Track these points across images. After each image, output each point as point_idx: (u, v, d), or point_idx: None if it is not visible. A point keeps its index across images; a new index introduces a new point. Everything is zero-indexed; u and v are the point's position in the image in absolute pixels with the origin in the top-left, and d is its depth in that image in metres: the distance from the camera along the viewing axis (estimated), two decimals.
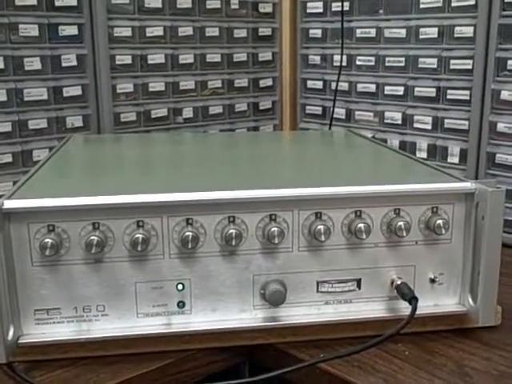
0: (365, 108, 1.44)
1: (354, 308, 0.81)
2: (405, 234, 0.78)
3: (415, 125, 1.34)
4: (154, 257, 0.75)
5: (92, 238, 0.72)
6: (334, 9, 1.48)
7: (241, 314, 0.78)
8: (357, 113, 1.47)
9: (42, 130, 1.26)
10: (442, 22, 1.27)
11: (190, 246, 0.74)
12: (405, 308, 0.79)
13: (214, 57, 1.48)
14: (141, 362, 0.76)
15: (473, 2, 1.21)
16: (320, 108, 1.56)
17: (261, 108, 1.61)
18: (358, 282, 0.80)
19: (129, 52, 1.35)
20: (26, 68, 1.22)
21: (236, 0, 1.50)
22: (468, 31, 1.23)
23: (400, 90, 1.36)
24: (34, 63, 1.23)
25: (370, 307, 0.81)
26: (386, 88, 1.39)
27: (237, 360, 0.83)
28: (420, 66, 1.32)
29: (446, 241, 0.80)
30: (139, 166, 0.98)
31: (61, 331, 0.75)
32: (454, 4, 1.25)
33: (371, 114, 1.43)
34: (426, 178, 0.85)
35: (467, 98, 1.24)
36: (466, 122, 1.25)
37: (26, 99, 1.23)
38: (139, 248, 0.73)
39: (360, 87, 1.45)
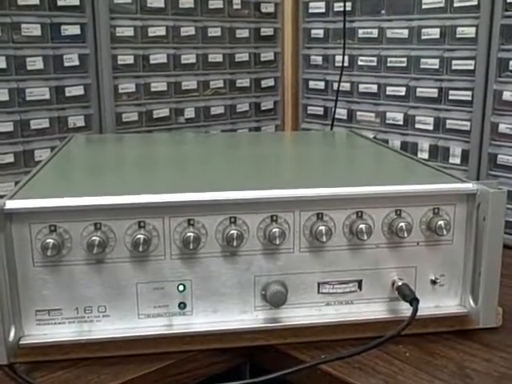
0: (366, 108, 1.44)
1: (355, 309, 0.81)
2: (406, 235, 0.78)
3: (417, 125, 1.34)
4: (155, 257, 0.75)
5: (94, 238, 0.72)
6: (336, 9, 1.48)
7: (242, 315, 0.78)
8: (358, 113, 1.47)
9: (43, 130, 1.26)
10: (444, 23, 1.27)
11: (191, 247, 0.74)
12: (406, 309, 0.79)
13: (216, 57, 1.49)
14: (142, 363, 0.76)
15: (475, 3, 1.21)
16: (322, 108, 1.56)
17: (262, 108, 1.61)
18: (359, 283, 0.80)
19: (131, 52, 1.35)
20: (28, 67, 1.22)
21: (238, 0, 1.50)
22: (470, 32, 1.23)
23: (402, 91, 1.36)
24: (36, 63, 1.23)
25: (370, 308, 0.81)
26: (388, 88, 1.39)
27: (238, 361, 0.83)
28: (422, 66, 1.32)
29: (447, 242, 0.80)
30: (141, 166, 0.98)
31: (62, 332, 0.75)
32: (456, 4, 1.25)
33: (373, 114, 1.43)
34: (428, 179, 0.85)
35: (469, 98, 1.24)
36: (468, 123, 1.25)
37: (27, 99, 1.23)
38: (141, 249, 0.73)
39: (362, 88, 1.45)
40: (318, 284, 0.79)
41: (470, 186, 0.79)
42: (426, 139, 1.33)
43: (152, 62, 1.39)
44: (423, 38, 1.31)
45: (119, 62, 1.34)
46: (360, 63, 1.45)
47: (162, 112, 1.42)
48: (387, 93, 1.39)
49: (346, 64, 1.47)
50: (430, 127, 1.31)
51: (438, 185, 0.80)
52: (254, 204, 0.75)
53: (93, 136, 1.30)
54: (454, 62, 1.26)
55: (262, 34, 1.57)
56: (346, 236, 0.78)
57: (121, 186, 0.81)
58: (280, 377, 0.72)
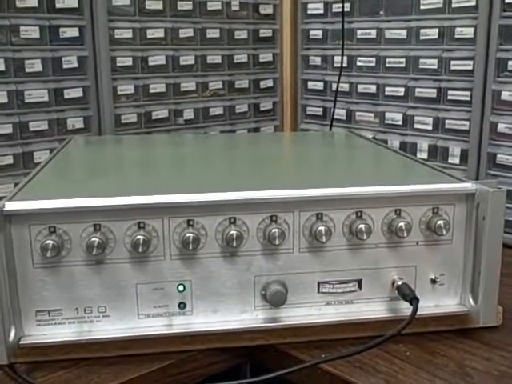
0: (365, 109, 1.45)
1: (355, 309, 0.81)
2: (405, 235, 0.78)
3: (416, 125, 1.34)
4: (154, 258, 0.75)
5: (93, 239, 0.72)
6: (334, 10, 1.48)
7: (242, 315, 0.78)
8: (357, 114, 1.47)
9: (42, 132, 1.26)
10: (442, 23, 1.27)
11: (190, 248, 0.74)
12: (406, 308, 0.79)
13: (214, 58, 1.49)
14: (142, 362, 0.76)
15: (473, 3, 1.21)
16: (320, 109, 1.56)
17: (261, 109, 1.61)
18: (359, 282, 0.80)
19: (130, 54, 1.36)
20: (27, 70, 1.23)
21: (237, 1, 1.51)
22: (468, 32, 1.23)
23: (400, 91, 1.36)
24: (34, 65, 1.24)
25: (370, 308, 0.81)
26: (387, 89, 1.39)
27: (238, 361, 0.83)
28: (420, 66, 1.32)
29: (446, 241, 0.80)
30: (140, 167, 0.98)
31: (62, 332, 0.75)
32: (454, 5, 1.25)
33: (372, 114, 1.43)
34: (427, 179, 0.85)
35: (468, 98, 1.24)
36: (467, 123, 1.25)
37: (26, 101, 1.23)
38: (140, 249, 0.73)
39: (360, 88, 1.45)
40: (318, 284, 0.79)
41: (469, 185, 0.79)
42: (425, 139, 1.33)
43: (151, 63, 1.39)
44: (422, 38, 1.31)
45: (118, 64, 1.34)
46: (359, 64, 1.45)
47: (160, 113, 1.42)
48: (386, 93, 1.39)
49: (344, 64, 1.47)
50: (429, 127, 1.32)
51: (438, 185, 0.80)
52: (253, 204, 0.75)
53: (92, 138, 1.30)
54: (452, 62, 1.26)
55: (260, 35, 1.57)
56: (345, 236, 0.78)
57: (120, 187, 0.81)
58: (280, 376, 0.72)
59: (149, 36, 1.38)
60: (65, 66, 1.28)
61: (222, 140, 1.29)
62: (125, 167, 1.00)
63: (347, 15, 1.45)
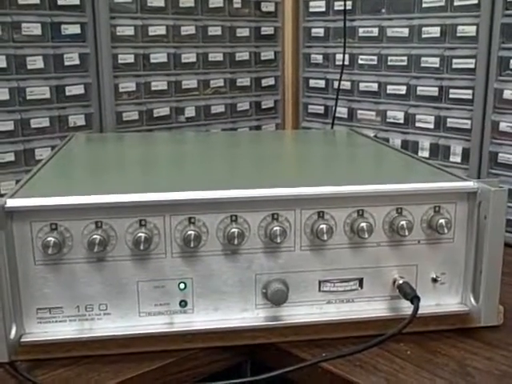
0: (367, 107, 1.44)
1: (356, 307, 0.81)
2: (407, 233, 0.78)
3: (417, 124, 1.34)
4: (156, 256, 0.75)
5: (94, 236, 0.72)
6: (336, 8, 1.48)
7: (243, 314, 0.78)
8: (359, 112, 1.47)
9: (44, 129, 1.26)
10: (444, 21, 1.27)
11: (192, 245, 0.74)
12: (407, 307, 0.79)
13: (216, 56, 1.49)
14: (142, 361, 0.76)
15: (475, 1, 1.21)
16: (322, 107, 1.56)
17: (263, 107, 1.61)
18: (360, 281, 0.80)
19: (131, 51, 1.35)
20: (29, 67, 1.22)
21: None
22: (470, 30, 1.23)
23: (402, 89, 1.36)
24: (36, 62, 1.23)
25: (371, 306, 0.81)
26: (389, 87, 1.39)
27: (239, 359, 0.83)
28: (422, 65, 1.32)
29: (448, 240, 0.80)
30: (141, 164, 0.98)
31: (63, 330, 0.75)
32: (456, 3, 1.25)
33: (373, 113, 1.43)
34: (429, 177, 0.85)
35: (470, 97, 1.24)
36: (469, 122, 1.25)
37: (28, 98, 1.23)
38: (141, 247, 0.73)
39: (362, 86, 1.45)
40: (319, 282, 0.79)
41: (470, 184, 0.79)
42: (426, 138, 1.33)
43: (152, 61, 1.39)
44: (424, 36, 1.31)
45: (119, 61, 1.34)
46: (360, 62, 1.45)
47: (162, 111, 1.42)
48: (388, 91, 1.39)
49: (346, 63, 1.47)
50: (431, 126, 1.31)
51: (439, 183, 0.80)
52: (254, 202, 0.75)
53: (93, 135, 1.30)
54: (454, 60, 1.26)
55: (262, 32, 1.57)
56: (347, 234, 0.78)
57: (121, 185, 0.81)
58: (281, 375, 0.72)
59: (150, 33, 1.37)
60: (66, 63, 1.27)
61: (224, 138, 1.29)
62: (126, 165, 1.00)
63: (349, 13, 1.44)
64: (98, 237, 0.72)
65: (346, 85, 1.48)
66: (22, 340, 0.74)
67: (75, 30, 1.28)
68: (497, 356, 0.77)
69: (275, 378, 0.72)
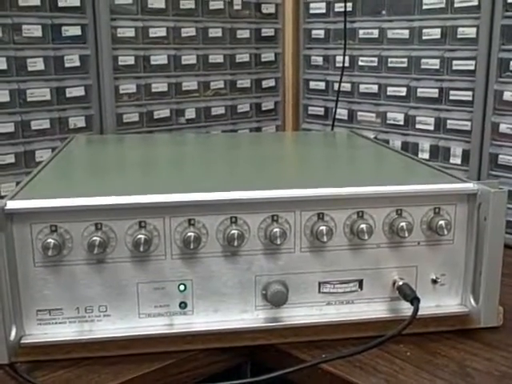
0: (367, 109, 1.45)
1: (356, 309, 0.81)
2: (407, 235, 0.78)
3: (417, 126, 1.34)
4: (156, 257, 0.75)
5: (94, 238, 0.72)
6: (336, 9, 1.48)
7: (242, 315, 0.78)
8: (359, 113, 1.47)
9: (44, 131, 1.26)
10: (444, 23, 1.27)
11: (191, 247, 0.74)
12: (407, 309, 0.79)
13: (216, 57, 1.49)
14: (142, 362, 0.76)
15: (476, 3, 1.21)
16: (322, 109, 1.56)
17: (263, 109, 1.61)
18: (360, 282, 0.80)
19: (132, 53, 1.36)
20: (29, 68, 1.23)
21: (239, 1, 1.51)
22: (471, 32, 1.23)
23: (402, 91, 1.36)
24: (37, 64, 1.24)
25: (371, 308, 0.81)
26: (389, 89, 1.39)
27: (238, 360, 0.83)
28: (423, 66, 1.32)
29: (448, 241, 0.80)
30: (142, 166, 0.98)
31: (63, 331, 0.75)
32: (456, 5, 1.25)
33: (373, 114, 1.43)
34: (428, 179, 0.85)
35: (470, 98, 1.24)
36: (469, 123, 1.25)
37: (28, 100, 1.23)
38: (141, 248, 0.73)
39: (362, 88, 1.45)
40: (319, 283, 0.79)
41: (470, 185, 0.79)
42: (426, 139, 1.33)
43: (153, 62, 1.39)
44: (424, 38, 1.31)
45: (120, 63, 1.34)
46: (361, 64, 1.45)
47: (162, 113, 1.42)
48: (388, 93, 1.39)
49: (346, 64, 1.47)
50: (431, 127, 1.31)
51: (439, 185, 0.80)
52: (254, 204, 0.75)
53: (93, 137, 1.30)
54: (454, 62, 1.26)
55: (262, 34, 1.57)
56: (346, 236, 0.78)
57: (121, 187, 0.81)
58: (281, 376, 0.72)
59: (151, 35, 1.38)
60: (67, 65, 1.28)
61: (224, 140, 1.29)
62: (126, 166, 1.00)
63: (349, 15, 1.44)
64: (98, 238, 0.72)
65: (347, 86, 1.48)
66: (22, 341, 0.74)
67: (76, 31, 1.28)
68: (497, 357, 0.77)
69: (275, 379, 0.72)
